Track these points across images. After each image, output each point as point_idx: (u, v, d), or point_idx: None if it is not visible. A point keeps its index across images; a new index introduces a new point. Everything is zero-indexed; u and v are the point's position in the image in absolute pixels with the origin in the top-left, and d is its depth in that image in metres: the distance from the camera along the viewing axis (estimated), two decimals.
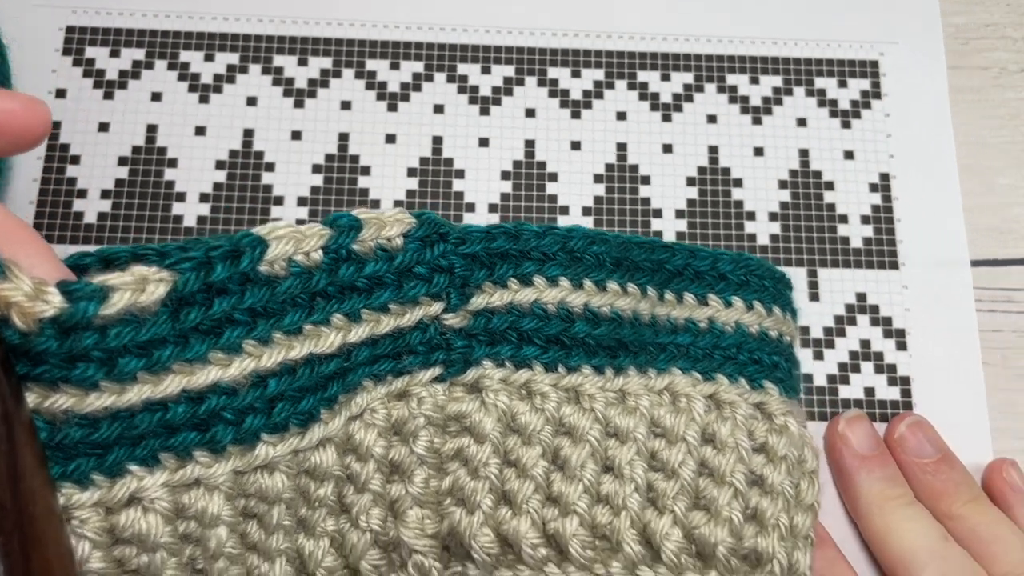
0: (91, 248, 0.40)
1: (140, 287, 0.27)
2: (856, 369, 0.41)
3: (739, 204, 0.44)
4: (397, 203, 0.43)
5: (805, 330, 0.42)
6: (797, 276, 0.42)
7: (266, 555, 0.32)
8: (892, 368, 0.41)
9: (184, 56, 0.44)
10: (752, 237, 0.43)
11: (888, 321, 0.42)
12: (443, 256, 0.33)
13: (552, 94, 0.45)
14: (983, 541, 0.36)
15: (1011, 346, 0.42)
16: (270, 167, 0.43)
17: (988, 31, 0.47)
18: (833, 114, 0.45)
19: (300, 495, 0.32)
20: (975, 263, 0.43)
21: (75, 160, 0.42)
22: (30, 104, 0.29)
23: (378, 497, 0.32)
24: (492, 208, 0.43)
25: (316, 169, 0.43)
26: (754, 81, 0.45)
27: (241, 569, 0.31)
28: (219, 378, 0.29)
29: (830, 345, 0.42)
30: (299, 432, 0.31)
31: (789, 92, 0.45)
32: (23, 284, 0.25)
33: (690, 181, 0.44)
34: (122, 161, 0.42)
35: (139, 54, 0.44)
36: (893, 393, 0.41)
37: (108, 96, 0.43)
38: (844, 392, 0.41)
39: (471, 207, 0.43)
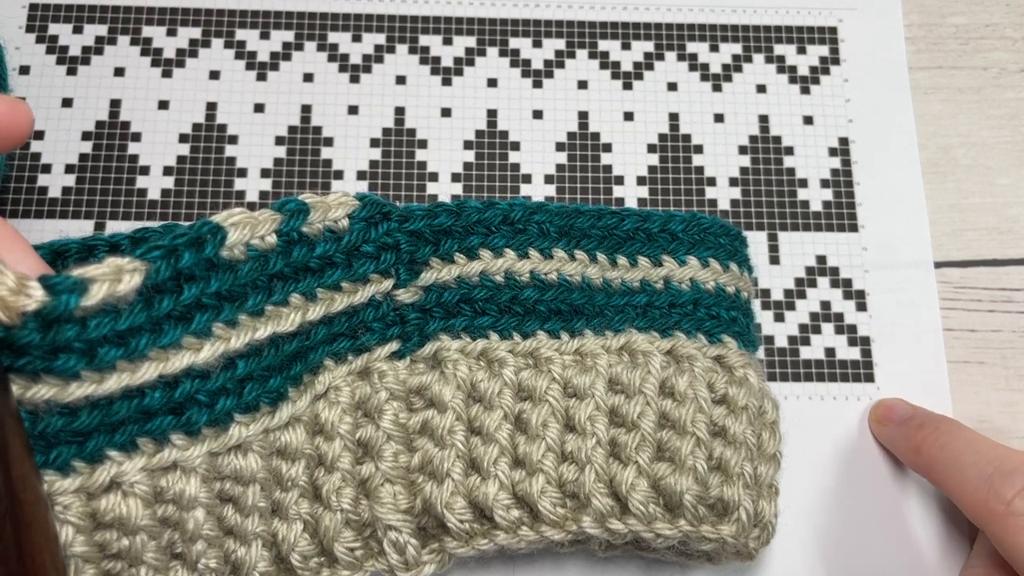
0: (56, 222, 0.41)
1: (117, 278, 0.28)
2: (817, 330, 0.42)
3: (700, 170, 0.44)
4: (360, 174, 0.43)
5: (766, 292, 0.42)
6: (758, 240, 0.43)
7: (243, 539, 0.32)
8: (852, 329, 0.42)
9: (147, 31, 0.44)
10: (713, 202, 0.43)
11: (848, 283, 0.43)
12: (388, 234, 0.34)
13: (514, 64, 0.45)
14: None
15: (1011, 346, 0.42)
16: (233, 140, 0.43)
17: (988, 31, 0.47)
18: (792, 80, 0.46)
19: (273, 476, 0.33)
20: (974, 263, 0.43)
21: (39, 135, 0.42)
22: (14, 105, 0.30)
23: (347, 476, 0.33)
24: (455, 178, 0.43)
25: (279, 141, 0.43)
26: (714, 49, 0.46)
27: (219, 552, 0.32)
28: (192, 362, 0.30)
29: (791, 307, 0.42)
30: (269, 411, 0.32)
31: (749, 59, 0.46)
32: (6, 279, 0.26)
33: (651, 148, 0.44)
34: (86, 136, 0.43)
35: (101, 30, 0.44)
36: (854, 353, 0.42)
37: (71, 72, 0.44)
38: (805, 353, 0.41)
39: (434, 177, 0.43)
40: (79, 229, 0.41)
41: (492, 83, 0.45)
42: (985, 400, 0.41)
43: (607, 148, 0.44)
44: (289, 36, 0.45)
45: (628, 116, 0.45)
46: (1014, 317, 0.43)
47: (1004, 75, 0.46)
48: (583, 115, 0.45)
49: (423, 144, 0.44)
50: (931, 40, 0.47)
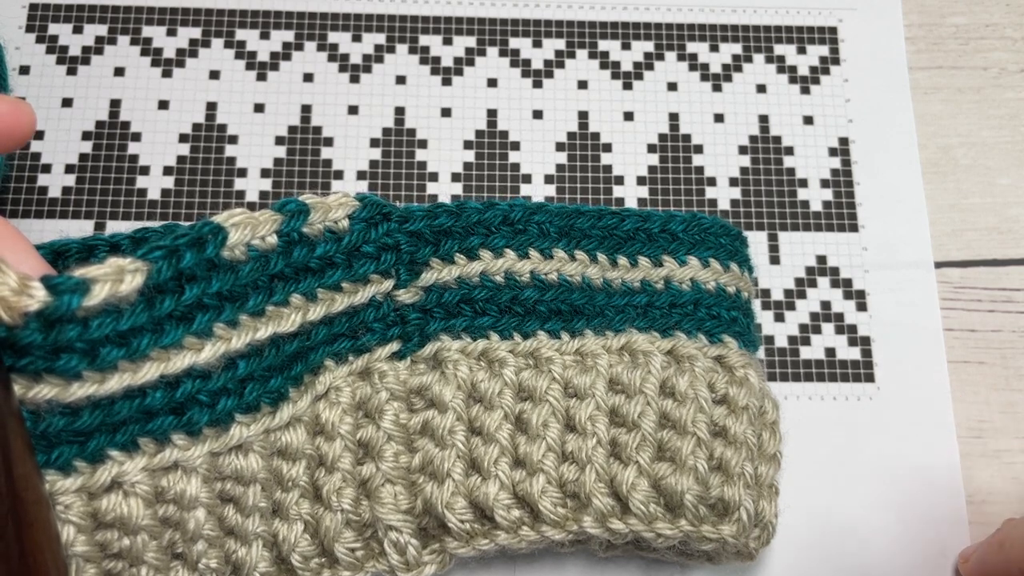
0: (56, 222, 0.41)
1: (119, 278, 0.28)
2: (817, 330, 0.42)
3: (700, 170, 0.44)
4: (360, 174, 0.43)
5: (766, 292, 0.42)
6: (758, 240, 0.43)
7: (243, 539, 0.32)
8: (852, 329, 0.42)
9: (147, 31, 0.44)
10: (713, 202, 0.43)
11: (848, 283, 0.43)
12: (388, 235, 0.34)
13: (514, 64, 0.45)
14: None
15: (1011, 346, 0.42)
16: (233, 139, 0.43)
17: (988, 31, 0.47)
18: (792, 80, 0.46)
19: (274, 477, 0.33)
20: (974, 263, 0.43)
21: (39, 135, 0.42)
22: (16, 106, 0.30)
23: (348, 476, 0.33)
24: (455, 177, 0.43)
25: (279, 141, 0.43)
26: (714, 48, 0.46)
27: (219, 552, 0.32)
28: (193, 362, 0.30)
29: (791, 307, 0.42)
30: (270, 411, 0.32)
31: (749, 59, 0.46)
32: (9, 279, 0.26)
33: (651, 148, 0.44)
34: (86, 136, 0.43)
35: (101, 30, 0.44)
36: (854, 353, 0.42)
37: (71, 72, 0.44)
38: (805, 353, 0.41)
39: (434, 177, 0.43)
40: (79, 229, 0.41)
41: (492, 83, 0.45)
42: (985, 400, 0.41)
43: (607, 148, 0.44)
44: (289, 36, 0.45)
45: (628, 116, 0.45)
46: (1014, 317, 0.43)
47: (1004, 75, 0.46)
48: (583, 115, 0.45)
49: (423, 144, 0.44)
50: (931, 40, 0.47)
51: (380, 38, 0.45)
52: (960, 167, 0.45)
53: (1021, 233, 0.44)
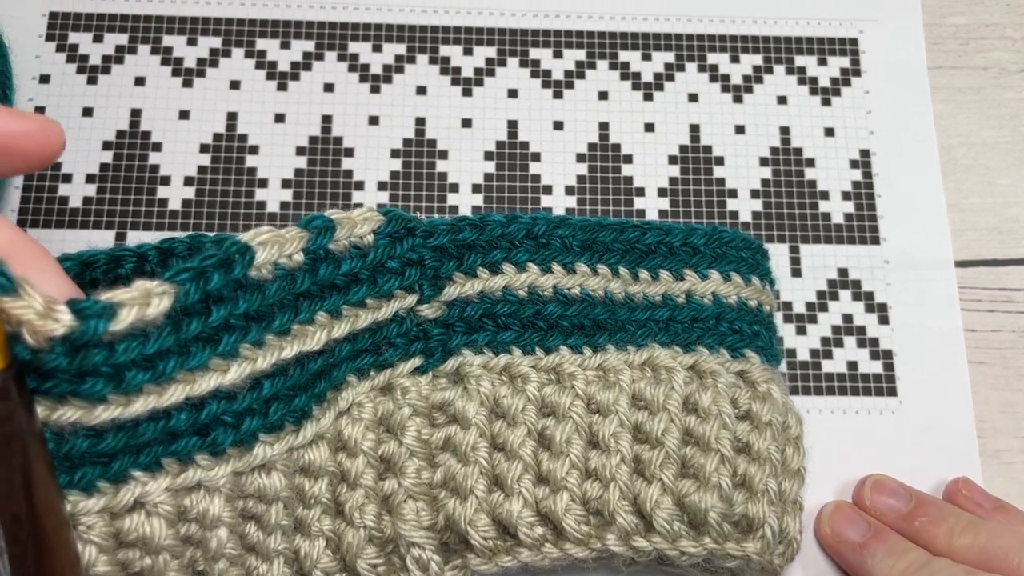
0: (76, 232, 0.41)
1: (146, 302, 0.28)
2: (839, 343, 0.42)
3: (721, 182, 0.44)
4: (381, 184, 0.43)
5: (788, 305, 0.42)
6: (779, 252, 0.43)
7: (265, 556, 0.32)
8: (875, 342, 0.42)
9: (167, 40, 0.44)
10: (734, 214, 0.43)
11: (870, 295, 0.42)
12: (412, 250, 0.34)
13: (534, 75, 0.45)
14: (998, 556, 0.35)
15: (1011, 346, 0.42)
16: (254, 150, 0.43)
17: (988, 31, 0.47)
18: (813, 92, 0.45)
19: (296, 494, 0.33)
20: (974, 263, 0.43)
21: None
22: (45, 125, 0.30)
23: (370, 492, 0.33)
24: (476, 188, 0.43)
25: (300, 151, 0.43)
26: (735, 60, 0.46)
27: (240, 570, 0.32)
28: (219, 384, 0.30)
29: (813, 320, 0.42)
30: (294, 430, 0.32)
31: (769, 70, 0.46)
32: (34, 302, 0.26)
33: (672, 160, 0.44)
34: (106, 146, 0.43)
35: (122, 39, 0.44)
36: (876, 367, 0.41)
37: (92, 81, 0.44)
38: (827, 367, 0.41)
39: (455, 188, 0.43)
40: (100, 240, 0.41)
41: (512, 94, 0.45)
42: (985, 400, 0.41)
43: (628, 159, 0.44)
44: (309, 46, 0.45)
45: (649, 127, 0.45)
46: (1014, 317, 0.43)
47: (1004, 75, 0.46)
48: (604, 126, 0.44)
49: (443, 155, 0.44)
50: (931, 40, 0.47)
51: (400, 48, 0.45)
52: (960, 167, 0.45)
53: (1021, 233, 0.44)
